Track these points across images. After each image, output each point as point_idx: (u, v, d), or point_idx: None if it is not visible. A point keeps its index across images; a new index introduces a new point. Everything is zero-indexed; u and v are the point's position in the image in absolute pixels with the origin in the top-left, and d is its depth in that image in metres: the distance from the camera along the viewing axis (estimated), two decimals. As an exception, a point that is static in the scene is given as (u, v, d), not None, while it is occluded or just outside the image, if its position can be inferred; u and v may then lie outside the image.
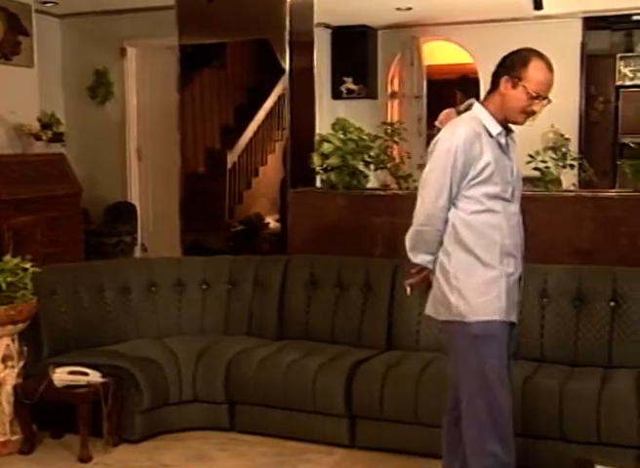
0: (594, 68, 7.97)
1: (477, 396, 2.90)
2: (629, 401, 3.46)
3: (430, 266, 2.96)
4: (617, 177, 6.70)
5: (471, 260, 2.88)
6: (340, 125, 4.83)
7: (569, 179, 4.93)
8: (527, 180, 3.68)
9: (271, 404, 4.11)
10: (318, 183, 5.13)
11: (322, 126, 5.49)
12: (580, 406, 3.50)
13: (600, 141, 7.99)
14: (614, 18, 7.74)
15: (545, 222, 4.29)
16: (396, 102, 8.76)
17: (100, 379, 3.89)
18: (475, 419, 2.91)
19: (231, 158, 6.44)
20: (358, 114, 7.61)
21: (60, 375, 3.86)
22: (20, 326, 3.95)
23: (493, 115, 2.91)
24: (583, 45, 7.70)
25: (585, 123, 7.79)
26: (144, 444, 4.07)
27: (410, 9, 7.54)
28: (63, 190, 6.61)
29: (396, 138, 5.06)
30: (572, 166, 4.67)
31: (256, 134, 6.56)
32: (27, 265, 3.96)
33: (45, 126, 6.77)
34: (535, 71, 2.85)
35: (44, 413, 4.01)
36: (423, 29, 8.31)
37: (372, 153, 4.89)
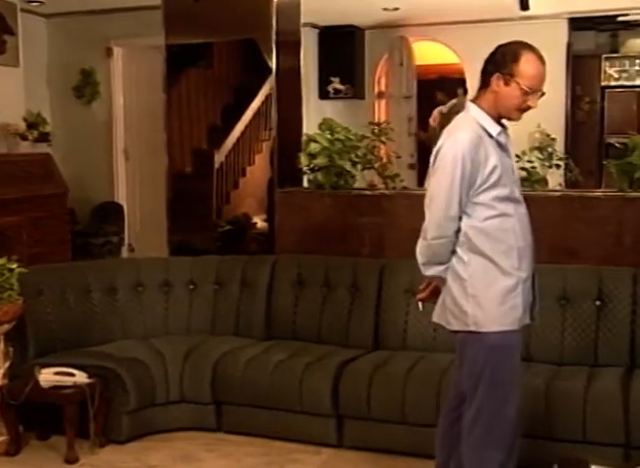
0: (580, 69, 8.00)
1: (488, 405, 2.83)
2: (615, 399, 3.48)
3: (444, 275, 2.86)
4: (602, 177, 6.73)
5: (490, 267, 2.79)
6: (326, 125, 4.84)
7: (555, 179, 4.95)
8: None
9: (258, 404, 4.11)
10: (305, 183, 5.13)
11: (309, 126, 5.49)
12: (566, 404, 3.52)
13: (586, 141, 8.02)
14: (599, 19, 7.76)
15: (531, 222, 4.28)
16: (383, 102, 8.76)
17: (87, 380, 3.87)
18: (482, 427, 2.85)
19: (219, 158, 6.43)
20: (345, 114, 7.63)
21: (47, 376, 3.85)
22: (6, 326, 3.93)
23: (488, 114, 2.82)
24: (569, 45, 7.73)
25: (571, 123, 7.82)
26: (131, 444, 4.06)
27: (397, 9, 7.55)
28: (50, 190, 6.58)
29: (383, 138, 5.06)
30: (558, 166, 4.69)
31: (243, 133, 6.55)
32: (13, 266, 3.95)
33: (31, 126, 6.74)
34: (527, 65, 2.75)
35: (30, 414, 3.99)
36: (410, 29, 8.32)
37: (359, 153, 4.89)
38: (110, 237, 7.47)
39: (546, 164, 4.60)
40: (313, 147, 4.80)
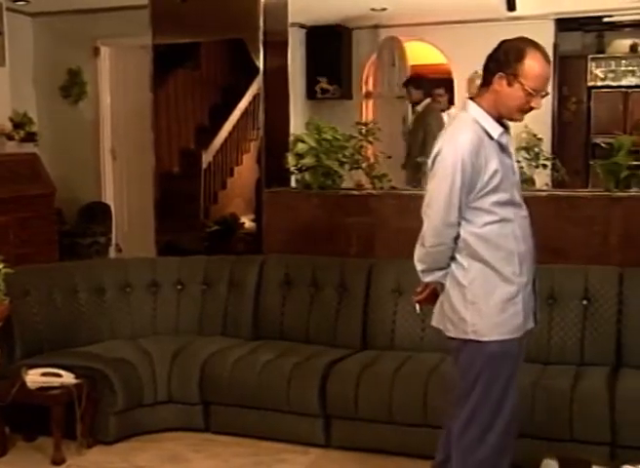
0: (566, 69, 8.04)
1: (483, 407, 2.76)
2: (601, 398, 3.50)
3: (443, 281, 2.77)
4: (589, 177, 6.76)
5: (490, 274, 2.70)
6: (314, 125, 4.84)
7: (542, 179, 4.97)
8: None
9: (246, 404, 4.10)
10: (293, 183, 5.13)
11: (296, 126, 5.49)
12: (552, 403, 3.53)
13: (573, 141, 8.05)
14: (585, 19, 7.81)
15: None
16: (371, 103, 8.77)
17: (74, 381, 3.86)
18: (476, 429, 2.77)
19: (206, 158, 6.43)
20: (333, 114, 7.62)
21: (33, 377, 3.83)
22: (-7, 327, 3.92)
23: (488, 113, 2.70)
24: (556, 46, 7.75)
25: (558, 123, 7.85)
26: (119, 445, 4.05)
27: (385, 9, 7.57)
28: (36, 190, 6.55)
29: (370, 138, 5.06)
30: (545, 166, 4.72)
31: (231, 133, 6.55)
32: (0, 266, 3.93)
33: (17, 125, 6.71)
34: (531, 65, 2.61)
35: (16, 416, 3.97)
36: (398, 30, 8.33)
37: (346, 153, 4.89)
38: (98, 237, 7.45)
39: (533, 164, 4.63)
40: (301, 147, 4.80)
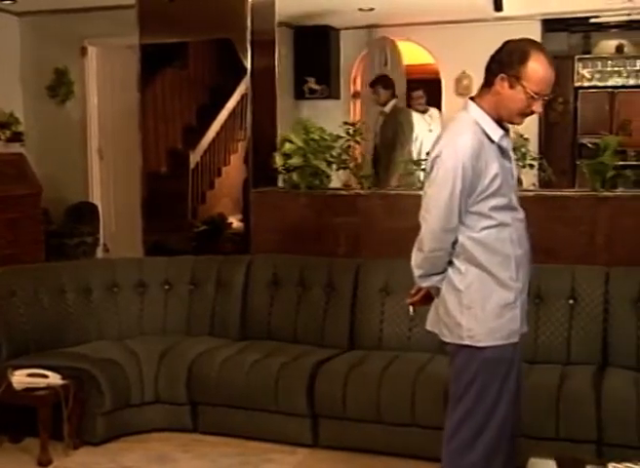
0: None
1: (478, 408, 2.70)
2: (588, 397, 3.52)
3: (440, 285, 2.73)
4: (576, 177, 6.79)
5: (487, 279, 2.66)
6: (301, 124, 4.84)
7: (529, 179, 4.98)
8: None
9: (234, 404, 4.10)
10: (280, 183, 5.13)
11: (284, 126, 5.49)
12: (539, 402, 3.54)
13: (559, 142, 8.08)
14: (572, 20, 7.84)
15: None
16: (359, 102, 8.77)
17: (61, 381, 3.85)
18: (470, 430, 2.72)
19: (194, 158, 6.40)
20: (321, 114, 7.61)
21: (20, 378, 3.82)
22: (-22, 328, 3.90)
23: (488, 114, 2.65)
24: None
25: (545, 123, 7.87)
26: (106, 446, 4.04)
27: (372, 9, 7.58)
28: (23, 190, 6.53)
29: (358, 138, 5.07)
30: (531, 166, 4.72)
31: (218, 133, 6.52)
32: (-15, 266, 3.92)
33: (3, 125, 6.69)
34: (535, 68, 2.55)
35: (2, 417, 3.96)
36: (385, 30, 8.34)
37: (334, 153, 4.90)
38: (85, 237, 7.41)
39: (520, 164, 4.63)
40: (288, 147, 4.81)
